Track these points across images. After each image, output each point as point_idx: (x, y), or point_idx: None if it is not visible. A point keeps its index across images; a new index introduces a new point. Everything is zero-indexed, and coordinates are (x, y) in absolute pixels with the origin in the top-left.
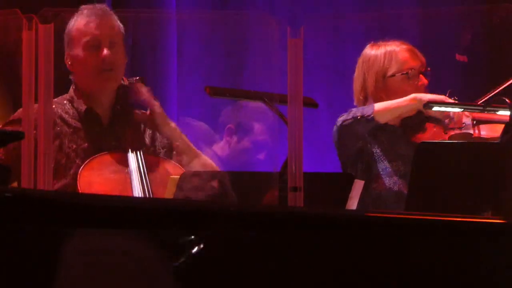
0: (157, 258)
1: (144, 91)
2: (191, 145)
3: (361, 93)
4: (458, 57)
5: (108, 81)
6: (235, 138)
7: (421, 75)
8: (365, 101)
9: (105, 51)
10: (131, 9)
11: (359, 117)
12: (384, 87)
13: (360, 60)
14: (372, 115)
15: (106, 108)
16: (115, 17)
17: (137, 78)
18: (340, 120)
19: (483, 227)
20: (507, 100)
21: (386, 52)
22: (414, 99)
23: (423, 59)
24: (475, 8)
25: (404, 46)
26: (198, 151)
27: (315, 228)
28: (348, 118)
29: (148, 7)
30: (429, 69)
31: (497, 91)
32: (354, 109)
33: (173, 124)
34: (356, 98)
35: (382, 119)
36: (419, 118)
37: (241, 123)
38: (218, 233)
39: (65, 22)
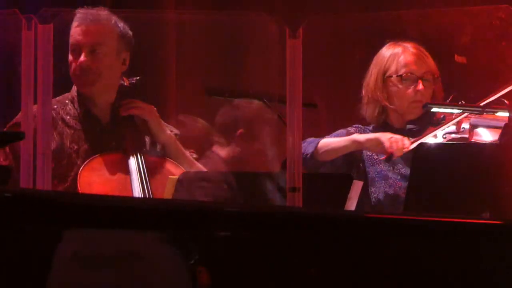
0: (158, 258)
1: (137, 105)
2: (186, 153)
3: (365, 90)
4: (457, 58)
5: (83, 86)
6: (248, 142)
7: (419, 81)
8: (367, 98)
9: (81, 58)
10: (131, 9)
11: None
12: (382, 87)
13: (374, 58)
14: (310, 155)
15: (104, 108)
16: (110, 23)
17: (137, 78)
18: None
19: (481, 228)
20: (506, 102)
21: (393, 53)
22: (354, 141)
23: (432, 66)
24: (474, 9)
25: (412, 49)
26: (192, 159)
27: (315, 228)
28: None
29: (147, 8)
30: (437, 76)
31: (497, 95)
32: (306, 141)
33: (168, 131)
34: (363, 94)
35: (323, 158)
36: (423, 121)
37: (249, 126)
38: (218, 233)
39: (64, 23)
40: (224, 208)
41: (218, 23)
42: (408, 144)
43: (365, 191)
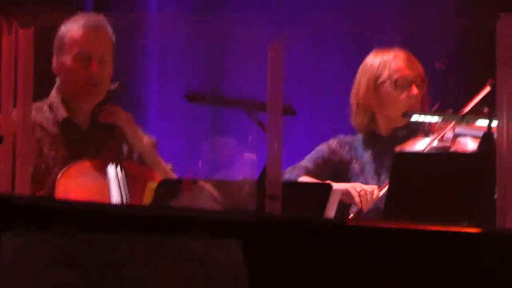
0: (137, 264)
1: (114, 112)
2: (162, 162)
3: (354, 98)
4: (438, 65)
5: (92, 96)
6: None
7: (413, 85)
8: (356, 106)
9: (95, 68)
10: (112, 12)
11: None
12: (375, 94)
13: (360, 66)
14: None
15: (85, 115)
16: (109, 29)
17: (116, 83)
18: None
19: (460, 236)
20: (485, 110)
21: (382, 59)
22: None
23: (421, 70)
24: (455, 19)
25: (401, 55)
26: (168, 170)
27: (295, 235)
28: None
29: (129, 11)
30: (425, 80)
31: (476, 101)
32: (288, 172)
33: (146, 139)
34: (351, 103)
35: None
36: (409, 129)
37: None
38: (197, 240)
39: (45, 27)
40: (204, 215)
41: (200, 29)
42: (377, 193)
43: (346, 204)
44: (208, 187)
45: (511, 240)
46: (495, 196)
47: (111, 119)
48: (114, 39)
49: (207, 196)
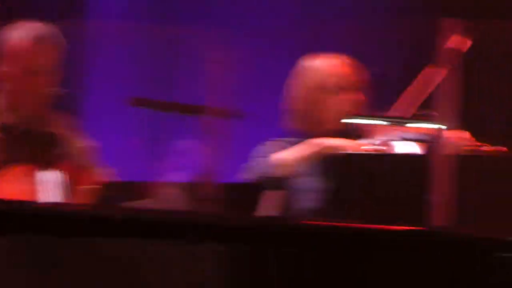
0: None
1: (51, 118)
2: (101, 166)
3: (295, 102)
4: (380, 70)
5: (35, 103)
6: None
7: (356, 90)
8: (297, 111)
9: (41, 79)
10: (53, 19)
11: (262, 177)
12: (318, 99)
13: (299, 71)
14: (273, 174)
15: (23, 120)
16: (55, 39)
17: (58, 89)
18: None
19: (403, 235)
20: (433, 114)
21: (322, 65)
22: (317, 144)
23: (363, 76)
24: (400, 22)
25: (343, 60)
26: (108, 173)
27: (229, 235)
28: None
29: (71, 18)
30: (368, 85)
31: (416, 105)
32: (255, 166)
33: (84, 143)
34: (291, 107)
35: (288, 172)
36: (350, 133)
37: None
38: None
39: None
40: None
41: (144, 34)
42: (393, 137)
43: (289, 203)
44: (174, 189)
45: (450, 239)
46: (432, 196)
47: (49, 124)
48: (59, 49)
49: (176, 199)
